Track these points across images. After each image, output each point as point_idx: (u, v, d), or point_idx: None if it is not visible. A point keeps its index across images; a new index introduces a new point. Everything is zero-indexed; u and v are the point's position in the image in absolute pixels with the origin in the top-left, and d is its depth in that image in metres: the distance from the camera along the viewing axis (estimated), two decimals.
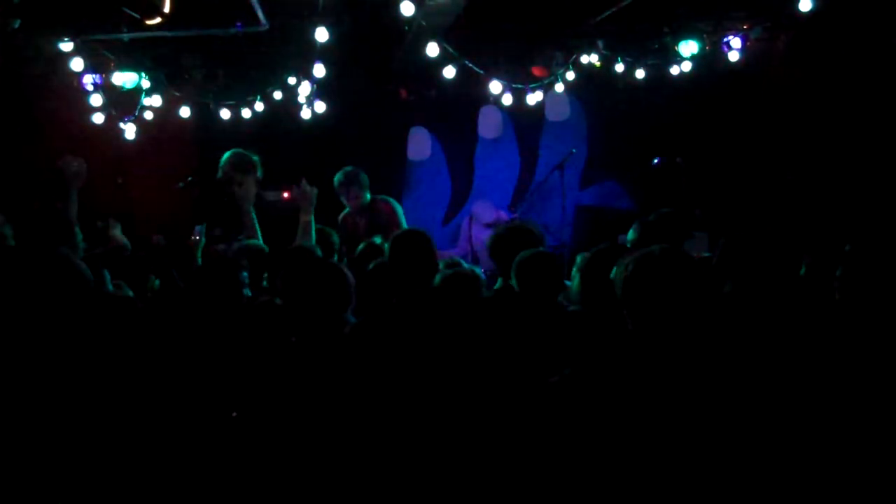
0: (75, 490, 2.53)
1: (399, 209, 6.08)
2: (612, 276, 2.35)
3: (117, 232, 4.93)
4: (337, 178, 5.98)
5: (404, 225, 5.94)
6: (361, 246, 4.54)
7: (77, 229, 4.25)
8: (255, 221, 5.11)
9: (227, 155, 5.42)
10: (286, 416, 2.91)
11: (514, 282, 3.46)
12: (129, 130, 6.70)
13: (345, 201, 6.04)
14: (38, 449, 2.49)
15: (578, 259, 4.02)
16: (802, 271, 3.28)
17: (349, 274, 3.15)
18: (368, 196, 6.01)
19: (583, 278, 3.37)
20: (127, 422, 2.67)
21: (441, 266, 3.82)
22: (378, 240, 4.60)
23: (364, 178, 5.98)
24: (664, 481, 2.10)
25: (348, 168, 6.04)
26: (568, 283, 3.92)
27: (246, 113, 6.85)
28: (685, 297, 2.21)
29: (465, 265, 4.07)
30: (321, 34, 5.70)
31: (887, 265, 2.66)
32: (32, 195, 5.93)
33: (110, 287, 3.87)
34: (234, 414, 3.02)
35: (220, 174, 5.38)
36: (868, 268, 2.69)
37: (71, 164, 4.63)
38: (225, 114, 6.85)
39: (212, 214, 5.26)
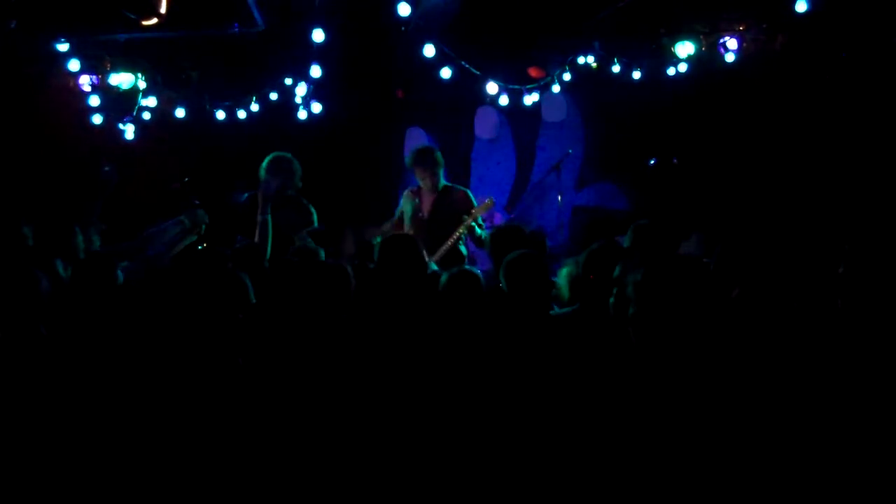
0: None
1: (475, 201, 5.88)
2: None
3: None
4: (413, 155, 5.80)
5: (479, 219, 5.76)
6: (293, 249, 4.54)
7: (78, 231, 4.27)
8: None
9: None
10: (284, 413, 2.93)
11: (502, 283, 3.49)
12: (129, 131, 6.70)
13: (419, 179, 5.85)
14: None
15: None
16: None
17: (351, 275, 3.21)
18: (443, 179, 5.88)
19: (578, 278, 3.38)
20: (118, 418, 2.69)
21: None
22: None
23: (440, 156, 5.83)
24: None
25: (423, 145, 5.94)
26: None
27: (242, 114, 6.85)
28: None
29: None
30: (318, 35, 5.71)
31: (887, 265, 2.67)
32: (42, 195, 5.89)
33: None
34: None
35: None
36: (868, 268, 2.70)
37: (107, 170, 4.61)
38: (221, 115, 6.86)
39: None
